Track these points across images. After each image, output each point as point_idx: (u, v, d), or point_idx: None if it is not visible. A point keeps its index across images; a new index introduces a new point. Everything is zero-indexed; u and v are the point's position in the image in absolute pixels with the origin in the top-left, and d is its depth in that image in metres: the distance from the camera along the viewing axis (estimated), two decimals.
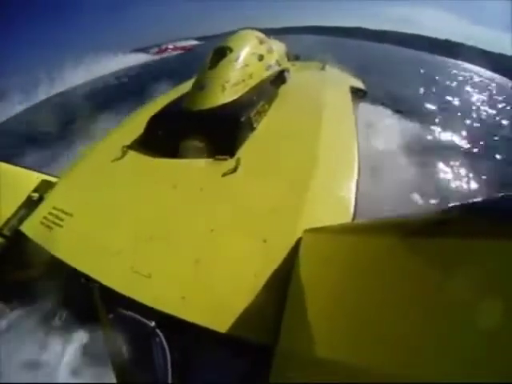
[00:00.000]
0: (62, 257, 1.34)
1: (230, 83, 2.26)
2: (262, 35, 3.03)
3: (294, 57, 4.56)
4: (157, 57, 26.22)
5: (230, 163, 1.68)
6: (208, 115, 2.06)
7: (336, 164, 1.69)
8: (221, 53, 2.42)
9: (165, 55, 27.07)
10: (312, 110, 2.28)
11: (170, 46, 29.86)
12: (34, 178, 1.87)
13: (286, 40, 4.31)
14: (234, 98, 2.24)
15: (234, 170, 1.62)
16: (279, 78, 3.00)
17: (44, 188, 1.82)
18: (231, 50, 2.43)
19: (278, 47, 3.60)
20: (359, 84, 4.01)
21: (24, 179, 1.84)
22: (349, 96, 2.91)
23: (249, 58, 2.55)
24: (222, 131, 1.89)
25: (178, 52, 28.64)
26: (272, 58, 3.12)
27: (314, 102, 2.46)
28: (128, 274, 1.20)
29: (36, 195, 1.76)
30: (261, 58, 2.79)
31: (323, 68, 3.92)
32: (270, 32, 4.17)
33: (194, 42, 37.90)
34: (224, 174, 1.62)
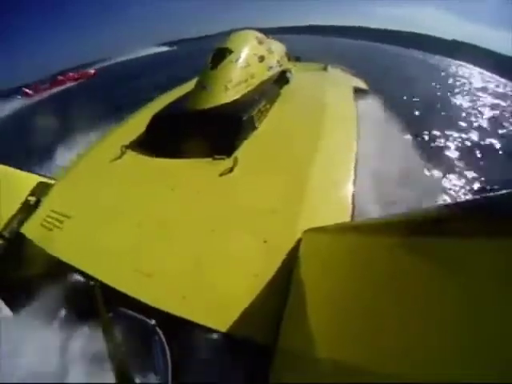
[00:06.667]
0: (62, 257, 1.35)
1: (233, 83, 2.28)
2: (260, 35, 3.03)
3: (294, 58, 4.58)
4: (36, 98, 17.29)
5: (227, 163, 1.68)
6: (211, 114, 2.07)
7: (334, 164, 1.69)
8: (220, 54, 2.42)
9: (48, 92, 18.66)
10: (313, 111, 2.28)
11: (61, 77, 21.96)
12: (33, 180, 1.86)
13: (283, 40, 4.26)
14: (237, 97, 2.26)
15: (231, 169, 1.62)
16: (282, 79, 3.01)
17: (42, 190, 1.82)
18: (231, 52, 2.44)
19: (277, 47, 3.61)
20: (361, 84, 4.01)
21: (22, 181, 1.84)
22: (352, 97, 2.91)
23: (249, 59, 2.55)
24: (222, 130, 1.89)
25: (76, 82, 21.43)
26: (273, 59, 3.13)
27: (315, 102, 2.46)
28: (129, 273, 1.20)
29: (34, 199, 1.75)
30: (261, 58, 2.80)
31: (325, 69, 3.92)
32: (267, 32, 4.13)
33: (99, 66, 29.44)
34: (221, 174, 1.62)
